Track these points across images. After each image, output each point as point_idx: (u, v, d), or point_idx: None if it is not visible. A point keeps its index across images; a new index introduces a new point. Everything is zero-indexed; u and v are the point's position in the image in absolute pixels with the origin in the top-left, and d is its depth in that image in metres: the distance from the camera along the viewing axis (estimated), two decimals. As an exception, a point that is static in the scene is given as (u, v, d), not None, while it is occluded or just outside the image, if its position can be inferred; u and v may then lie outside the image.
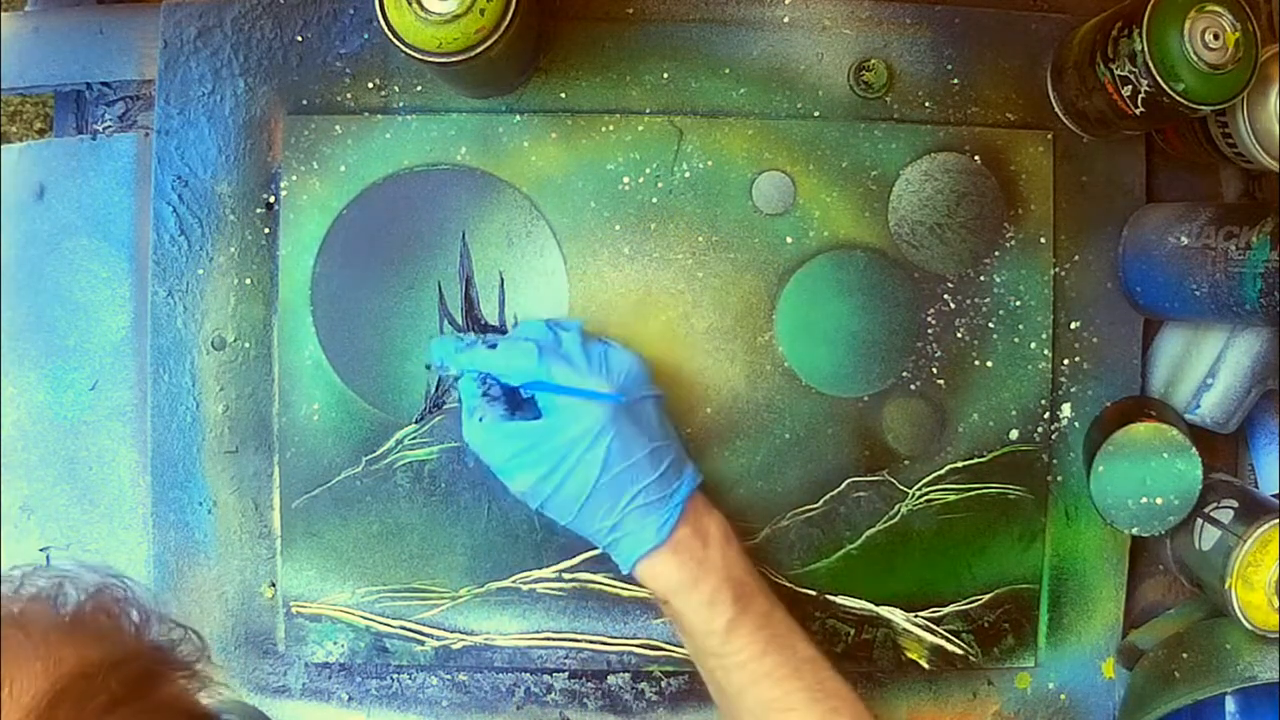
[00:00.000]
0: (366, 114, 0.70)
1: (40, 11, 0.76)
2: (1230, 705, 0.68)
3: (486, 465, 0.63)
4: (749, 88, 0.72)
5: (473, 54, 0.58)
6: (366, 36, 0.71)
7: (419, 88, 0.71)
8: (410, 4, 0.58)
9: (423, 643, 0.72)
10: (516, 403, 0.64)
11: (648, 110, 0.71)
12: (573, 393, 0.61)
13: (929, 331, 0.72)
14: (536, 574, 0.72)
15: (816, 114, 0.72)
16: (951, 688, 0.75)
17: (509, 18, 0.58)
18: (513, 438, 0.61)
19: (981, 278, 0.72)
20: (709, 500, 0.64)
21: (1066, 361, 0.73)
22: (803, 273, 0.71)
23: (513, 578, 0.72)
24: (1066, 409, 0.73)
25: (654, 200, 0.71)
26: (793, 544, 0.72)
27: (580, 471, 0.60)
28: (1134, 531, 0.69)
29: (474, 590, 0.72)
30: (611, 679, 0.74)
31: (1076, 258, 0.73)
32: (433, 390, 0.71)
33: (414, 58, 0.59)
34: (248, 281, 0.71)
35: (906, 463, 0.72)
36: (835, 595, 0.73)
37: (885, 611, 0.73)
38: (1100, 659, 0.75)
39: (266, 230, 0.71)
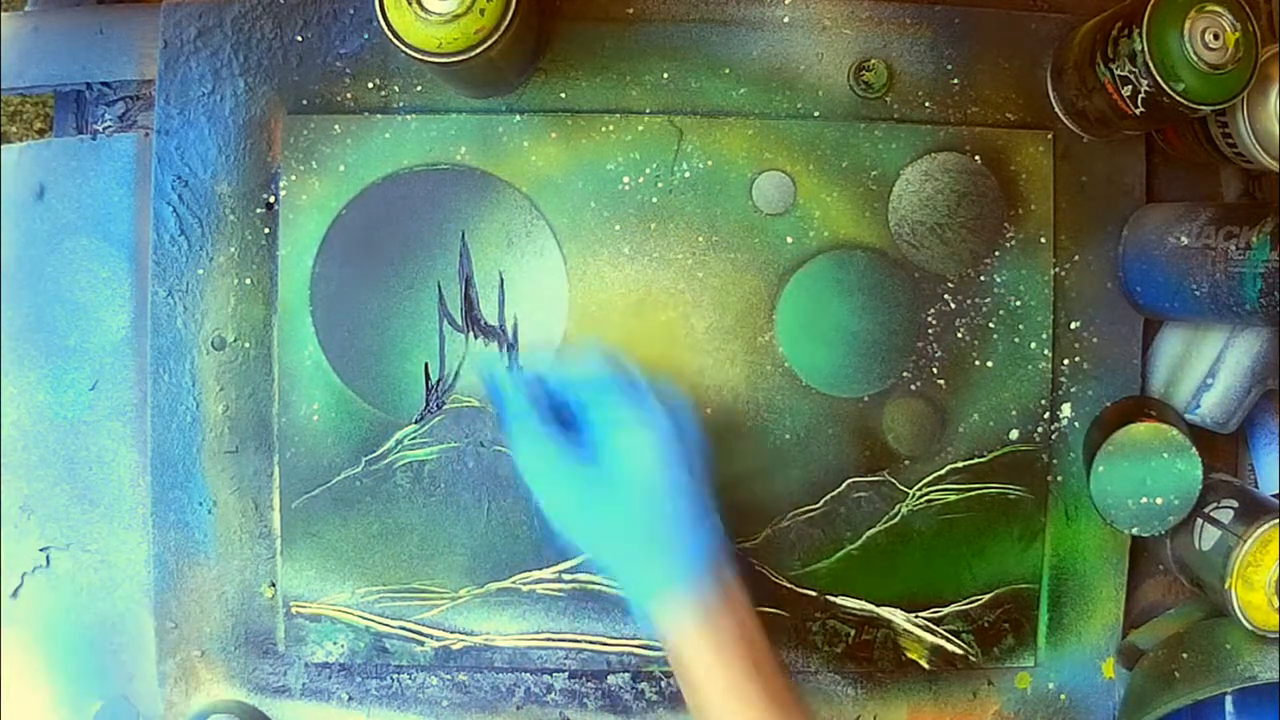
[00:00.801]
0: (366, 114, 0.70)
1: (40, 11, 0.75)
2: (1229, 705, 0.68)
3: (521, 476, 0.61)
4: (749, 88, 0.72)
5: (473, 54, 0.58)
6: (366, 36, 0.71)
7: (419, 88, 0.71)
8: (410, 4, 0.58)
9: (423, 643, 0.72)
10: (564, 423, 0.62)
11: (648, 110, 0.71)
12: (593, 432, 0.59)
13: (929, 331, 0.72)
14: (536, 574, 0.72)
15: (816, 114, 0.72)
16: (951, 688, 0.75)
17: (509, 18, 0.58)
18: (555, 457, 0.60)
19: (981, 278, 0.72)
20: (727, 556, 0.62)
21: (1066, 361, 0.73)
22: (803, 273, 0.71)
23: (513, 578, 0.72)
24: (1066, 409, 0.73)
25: (654, 200, 0.71)
26: (793, 544, 0.72)
27: (619, 502, 0.58)
28: (1134, 531, 0.69)
29: (474, 591, 0.72)
30: (611, 679, 0.74)
31: (1076, 258, 0.73)
32: (433, 390, 0.71)
33: (414, 58, 0.59)
34: (248, 281, 0.71)
35: (906, 463, 0.72)
36: (835, 596, 0.73)
37: (885, 612, 0.73)
38: (1100, 659, 0.75)
39: (266, 230, 0.71)
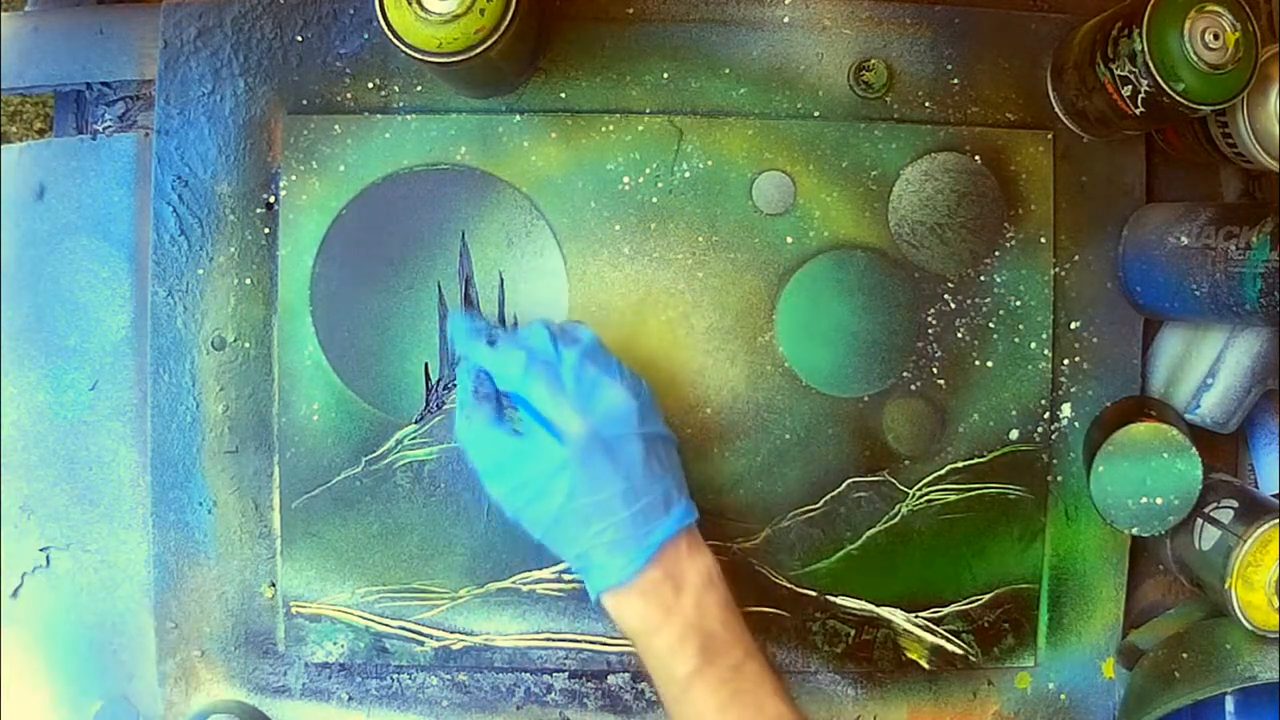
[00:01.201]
0: (366, 114, 0.70)
1: (40, 11, 0.75)
2: (1229, 705, 0.68)
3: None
4: (749, 88, 0.72)
5: (473, 54, 0.58)
6: (366, 36, 0.71)
7: (419, 88, 0.71)
8: (410, 4, 0.58)
9: (423, 643, 0.72)
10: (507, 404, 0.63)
11: (648, 110, 0.71)
12: (538, 419, 0.59)
13: (929, 331, 0.72)
14: (536, 574, 0.72)
15: (816, 114, 0.72)
16: (951, 688, 0.75)
17: (509, 18, 0.58)
18: (490, 445, 0.60)
19: (981, 278, 0.72)
20: (698, 543, 0.61)
21: (1066, 361, 0.73)
22: (803, 273, 0.71)
23: (513, 578, 0.72)
24: (1066, 409, 0.73)
25: (654, 200, 0.71)
26: (793, 544, 0.72)
27: (546, 496, 0.58)
28: (1134, 531, 0.69)
29: (474, 590, 0.72)
30: (611, 679, 0.74)
31: (1076, 258, 0.73)
32: (433, 390, 0.71)
33: (414, 58, 0.59)
34: (248, 281, 0.71)
35: (906, 463, 0.72)
36: (835, 596, 0.73)
37: (885, 612, 0.73)
38: (1100, 659, 0.75)
39: (266, 230, 0.71)
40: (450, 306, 0.70)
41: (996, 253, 0.72)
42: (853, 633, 0.73)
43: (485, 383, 0.62)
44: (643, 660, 0.60)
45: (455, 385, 0.69)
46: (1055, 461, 0.73)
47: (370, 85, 0.71)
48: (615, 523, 0.58)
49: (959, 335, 0.72)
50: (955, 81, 0.72)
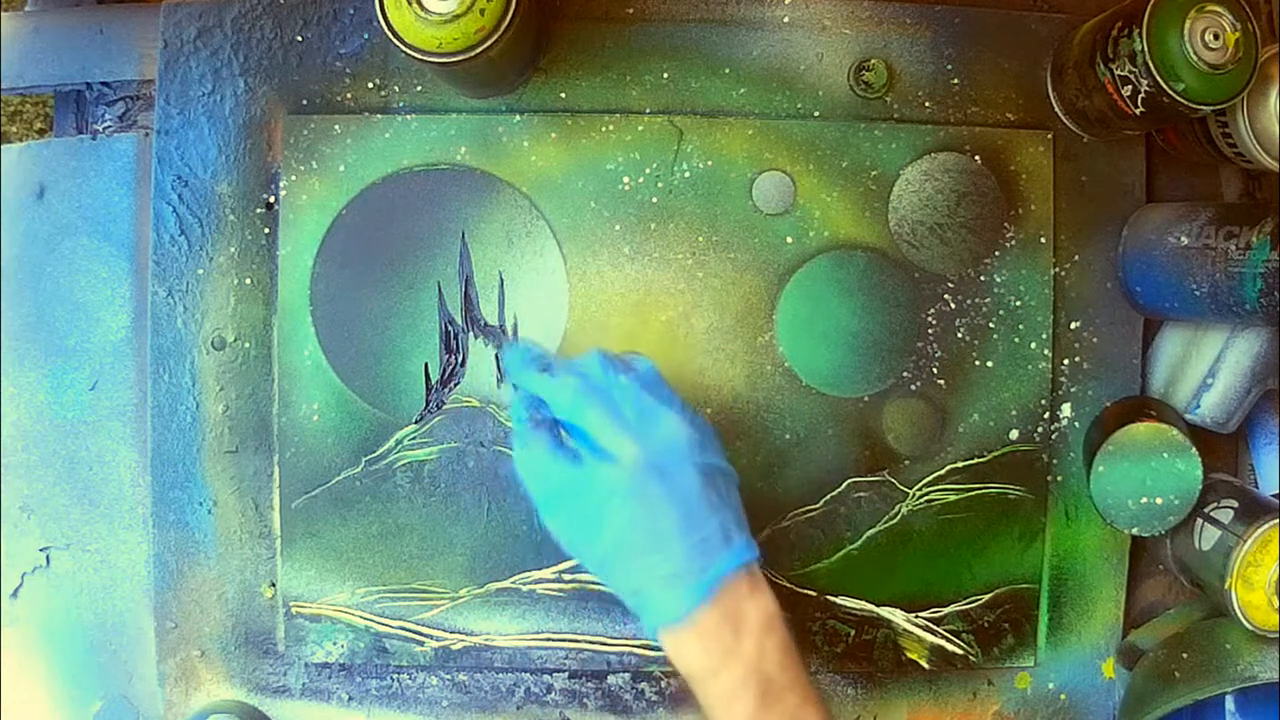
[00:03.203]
0: (366, 114, 0.70)
1: (40, 11, 0.76)
2: (1230, 704, 0.68)
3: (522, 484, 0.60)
4: (749, 88, 0.72)
5: (473, 54, 0.58)
6: (366, 36, 0.71)
7: (419, 88, 0.71)
8: (410, 4, 0.58)
9: (422, 643, 0.72)
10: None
11: (648, 110, 0.71)
12: (590, 446, 0.58)
13: (929, 331, 0.72)
14: (536, 574, 0.72)
15: (816, 114, 0.72)
16: (951, 688, 0.75)
17: (509, 18, 0.58)
18: (547, 473, 0.58)
19: (981, 278, 0.72)
20: (760, 583, 0.58)
21: (1066, 361, 0.73)
22: (803, 273, 0.71)
23: (513, 578, 0.72)
24: (1066, 409, 0.73)
25: (654, 200, 0.71)
26: (793, 544, 0.72)
27: (602, 525, 0.56)
28: (1134, 531, 0.69)
29: (474, 591, 0.72)
30: (611, 679, 0.74)
31: (1076, 258, 0.73)
32: (433, 390, 0.71)
33: (414, 58, 0.59)
34: (248, 281, 0.71)
35: (907, 463, 0.72)
36: (835, 596, 0.73)
37: (885, 612, 0.73)
38: (1100, 659, 0.75)
39: (266, 230, 0.71)
40: (450, 307, 0.70)
41: (996, 253, 0.72)
42: (853, 633, 0.73)
43: (541, 411, 0.60)
44: (698, 700, 0.58)
45: (513, 410, 0.64)
46: (1055, 461, 0.73)
47: (370, 85, 0.71)
48: (671, 555, 0.55)
49: (959, 335, 0.72)
50: (955, 81, 0.72)
